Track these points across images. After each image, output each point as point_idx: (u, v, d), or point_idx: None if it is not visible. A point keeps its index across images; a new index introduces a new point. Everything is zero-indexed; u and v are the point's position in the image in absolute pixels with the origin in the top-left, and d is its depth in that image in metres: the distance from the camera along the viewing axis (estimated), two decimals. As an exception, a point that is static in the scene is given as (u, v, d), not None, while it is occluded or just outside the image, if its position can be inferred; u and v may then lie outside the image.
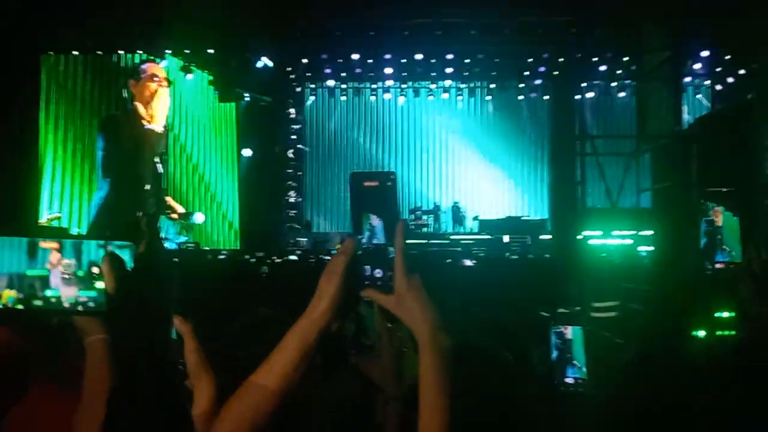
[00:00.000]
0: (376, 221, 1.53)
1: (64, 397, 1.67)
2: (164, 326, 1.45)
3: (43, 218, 16.85)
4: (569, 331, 2.56)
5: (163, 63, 17.77)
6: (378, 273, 1.49)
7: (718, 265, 3.42)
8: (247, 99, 18.72)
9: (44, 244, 1.40)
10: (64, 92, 17.78)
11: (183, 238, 16.79)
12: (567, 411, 2.35)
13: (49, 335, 1.76)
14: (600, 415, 2.14)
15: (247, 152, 18.72)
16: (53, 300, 1.40)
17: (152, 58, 17.01)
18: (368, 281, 1.50)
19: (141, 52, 17.59)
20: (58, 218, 17.04)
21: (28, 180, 16.79)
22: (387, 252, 1.50)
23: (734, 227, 3.60)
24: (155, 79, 15.10)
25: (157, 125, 15.26)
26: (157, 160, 15.15)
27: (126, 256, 1.40)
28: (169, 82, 15.74)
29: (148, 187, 15.94)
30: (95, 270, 1.40)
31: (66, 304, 1.41)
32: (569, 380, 2.49)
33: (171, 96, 17.83)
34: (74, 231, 17.06)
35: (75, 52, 17.66)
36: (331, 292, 1.49)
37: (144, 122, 13.88)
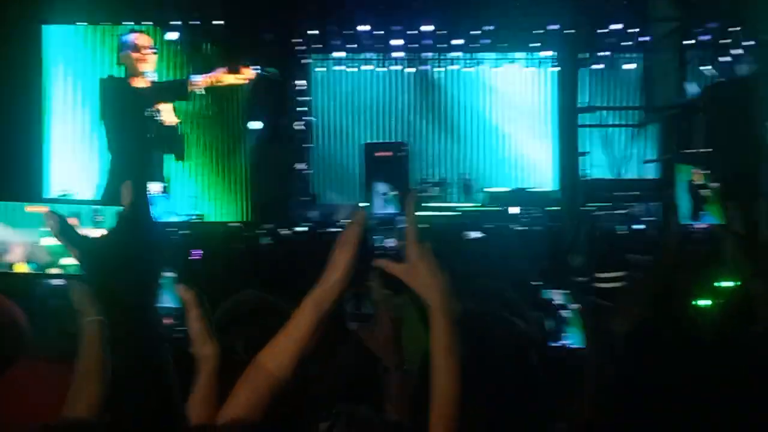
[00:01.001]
0: (388, 191, 1.54)
1: (53, 372, 1.68)
2: (150, 292, 1.39)
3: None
4: (559, 297, 2.62)
5: (174, 34, 17.80)
6: (389, 242, 1.54)
7: (700, 226, 3.47)
8: (258, 71, 18.65)
9: (30, 209, 1.42)
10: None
11: (193, 212, 16.89)
12: (563, 377, 2.41)
13: (43, 304, 1.74)
14: (596, 382, 2.19)
15: (255, 125, 18.71)
16: (70, 268, 1.41)
17: (138, 28, 17.09)
18: (380, 251, 1.53)
19: (150, 23, 17.56)
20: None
21: (33, 155, 16.77)
22: (398, 221, 1.54)
23: (714, 189, 3.64)
24: (143, 51, 15.29)
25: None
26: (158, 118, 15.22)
27: (111, 217, 1.37)
28: (151, 49, 15.87)
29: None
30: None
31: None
32: (563, 344, 2.56)
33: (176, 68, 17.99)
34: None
35: (79, 23, 17.53)
36: (344, 262, 1.52)
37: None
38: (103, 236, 1.34)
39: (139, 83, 14.24)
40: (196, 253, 6.94)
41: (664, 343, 2.14)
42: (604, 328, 2.29)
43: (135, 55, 16.28)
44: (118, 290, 1.31)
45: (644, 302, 2.30)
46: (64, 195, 16.61)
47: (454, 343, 1.50)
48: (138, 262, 1.33)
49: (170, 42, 17.91)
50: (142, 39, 16.73)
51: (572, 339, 2.58)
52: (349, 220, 1.56)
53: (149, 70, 16.09)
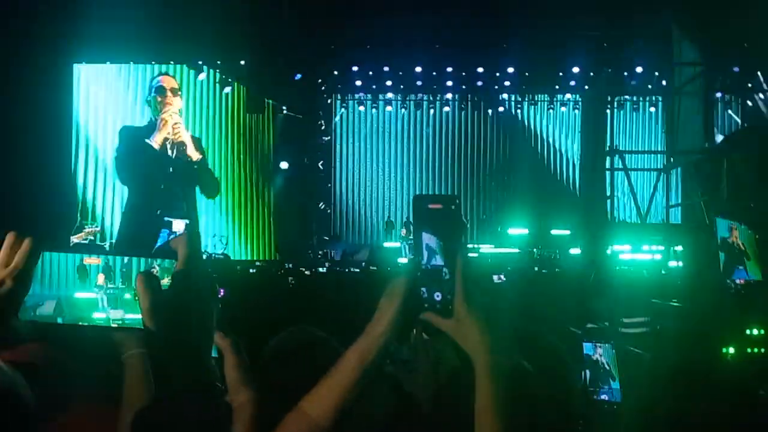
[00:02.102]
0: (437, 243, 1.51)
1: (102, 415, 1.67)
2: (204, 345, 1.41)
3: (81, 233, 17.01)
4: (601, 350, 2.56)
5: (202, 75, 18.15)
6: (437, 296, 1.48)
7: (738, 281, 3.41)
8: (284, 113, 18.98)
9: (88, 261, 1.40)
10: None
11: (221, 251, 17.08)
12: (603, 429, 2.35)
13: (87, 351, 1.74)
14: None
15: (284, 165, 18.94)
16: (101, 322, 1.42)
17: (165, 70, 17.53)
18: (427, 303, 1.49)
19: (173, 62, 17.90)
20: (96, 233, 17.15)
21: (62, 193, 16.93)
22: (447, 275, 1.49)
23: (751, 244, 3.57)
24: (166, 91, 15.85)
25: (175, 134, 16.03)
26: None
27: (166, 273, 1.39)
28: (174, 92, 16.31)
29: (159, 212, 16.53)
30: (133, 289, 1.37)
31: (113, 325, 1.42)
32: (604, 398, 2.50)
33: (208, 108, 18.35)
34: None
35: (108, 63, 17.84)
36: (391, 313, 1.49)
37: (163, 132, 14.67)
38: (165, 292, 1.35)
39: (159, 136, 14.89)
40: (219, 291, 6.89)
41: (697, 393, 2.10)
42: (638, 382, 2.23)
43: (159, 98, 16.88)
44: (177, 344, 1.33)
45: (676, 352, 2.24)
46: (91, 236, 16.88)
47: (501, 405, 1.46)
48: (194, 315, 1.35)
49: (200, 82, 18.27)
50: (167, 82, 17.28)
51: (611, 391, 2.51)
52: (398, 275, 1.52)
53: (173, 112, 16.70)
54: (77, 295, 1.42)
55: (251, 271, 12.87)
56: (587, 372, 2.58)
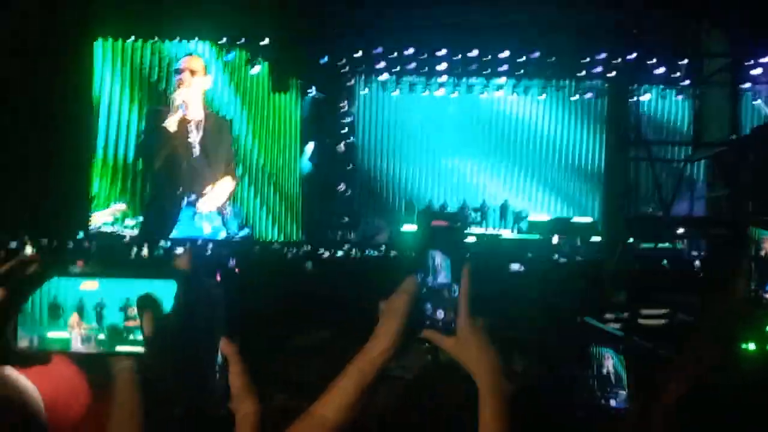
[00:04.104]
0: (441, 259, 1.48)
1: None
2: (208, 365, 1.43)
3: (108, 210, 17.13)
4: (610, 362, 2.52)
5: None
6: (440, 314, 1.46)
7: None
8: (311, 93, 19.05)
9: (84, 286, 1.40)
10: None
11: (245, 231, 17.21)
12: None
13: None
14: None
15: (309, 146, 19.04)
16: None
17: (190, 51, 17.64)
18: (429, 321, 1.47)
19: (197, 39, 17.97)
20: (122, 211, 17.24)
21: (79, 173, 17.02)
22: (450, 292, 1.46)
23: None
24: (187, 71, 15.99)
25: (194, 115, 16.17)
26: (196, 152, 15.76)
27: (167, 293, 1.38)
28: (193, 73, 16.45)
29: (180, 190, 16.69)
30: (131, 311, 1.39)
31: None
32: (612, 404, 2.46)
33: (237, 89, 18.47)
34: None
35: (131, 39, 17.90)
36: (392, 332, 1.47)
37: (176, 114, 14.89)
38: (166, 315, 1.35)
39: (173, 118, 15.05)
40: (232, 265, 6.94)
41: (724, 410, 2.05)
42: (653, 389, 2.17)
43: (177, 79, 17.07)
44: (179, 367, 1.35)
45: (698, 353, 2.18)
46: (117, 214, 17.01)
47: (503, 426, 1.43)
48: (198, 336, 1.37)
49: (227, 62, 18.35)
50: (187, 62, 17.43)
51: (619, 399, 2.47)
52: (400, 289, 1.47)
53: (188, 93, 16.90)
54: (50, 334, 1.39)
55: (269, 253, 12.93)
56: (594, 376, 2.55)
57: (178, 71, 17.33)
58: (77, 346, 1.40)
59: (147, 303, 1.34)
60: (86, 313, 1.39)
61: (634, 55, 16.97)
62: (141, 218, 17.38)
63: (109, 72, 17.88)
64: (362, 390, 1.47)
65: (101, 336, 1.40)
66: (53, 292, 1.38)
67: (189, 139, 17.02)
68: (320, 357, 1.92)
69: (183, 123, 16.95)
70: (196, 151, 17.17)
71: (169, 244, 14.66)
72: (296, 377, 1.93)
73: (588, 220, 19.20)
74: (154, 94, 17.91)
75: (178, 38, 18.00)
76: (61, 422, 1.66)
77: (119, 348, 1.40)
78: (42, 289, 1.36)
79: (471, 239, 14.65)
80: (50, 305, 1.38)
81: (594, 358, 2.54)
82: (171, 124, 16.71)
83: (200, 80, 17.43)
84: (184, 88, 16.92)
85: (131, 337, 1.39)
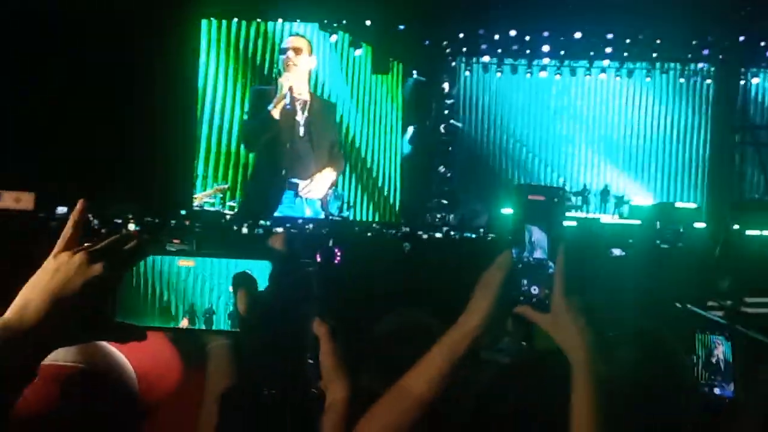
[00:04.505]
0: (538, 235, 1.45)
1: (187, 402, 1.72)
2: (300, 346, 1.39)
3: (210, 190, 17.40)
4: (720, 349, 2.48)
5: (334, 37, 18.36)
6: (534, 290, 1.43)
7: None
8: (414, 76, 19.05)
9: (182, 263, 1.41)
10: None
11: (345, 214, 17.33)
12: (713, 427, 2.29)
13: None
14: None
15: (410, 129, 19.07)
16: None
17: (296, 32, 17.76)
18: (523, 297, 1.44)
19: (299, 20, 18.13)
20: (224, 190, 17.47)
21: (184, 153, 17.37)
22: (546, 268, 1.43)
23: None
24: (292, 50, 16.09)
25: (298, 96, 16.32)
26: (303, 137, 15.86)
27: (263, 274, 1.37)
28: (298, 52, 16.51)
29: (284, 172, 16.83)
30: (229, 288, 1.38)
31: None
32: (716, 392, 2.43)
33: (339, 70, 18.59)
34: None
35: (236, 19, 18.18)
36: (485, 307, 1.45)
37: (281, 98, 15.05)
38: (261, 293, 1.34)
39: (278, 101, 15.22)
40: (338, 252, 7.06)
41: None
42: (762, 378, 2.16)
43: (284, 60, 17.25)
44: (271, 346, 1.32)
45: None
46: (219, 194, 17.30)
47: (598, 406, 1.40)
48: (291, 317, 1.34)
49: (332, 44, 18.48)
50: (291, 42, 17.58)
51: (726, 387, 2.43)
52: (495, 264, 1.47)
53: (293, 76, 17.03)
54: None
55: (368, 234, 13.02)
56: (700, 364, 2.52)
57: (283, 51, 17.47)
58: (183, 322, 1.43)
59: (242, 281, 1.33)
60: (197, 318, 1.43)
61: (743, 37, 16.43)
62: (242, 198, 17.70)
63: (214, 53, 18.19)
64: (452, 364, 1.46)
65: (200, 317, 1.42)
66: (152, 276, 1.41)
67: (295, 119, 17.14)
68: (415, 339, 1.89)
69: (288, 105, 17.09)
70: (301, 132, 17.29)
71: (269, 223, 14.77)
72: (389, 359, 1.93)
73: (692, 205, 18.76)
74: (259, 76, 18.13)
75: (280, 20, 18.20)
76: (152, 397, 1.69)
77: (215, 327, 1.42)
78: (139, 267, 1.39)
79: (570, 222, 14.51)
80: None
81: (701, 345, 2.52)
82: (276, 107, 16.90)
83: (306, 59, 17.54)
84: (289, 72, 17.05)
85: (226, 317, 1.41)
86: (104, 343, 1.54)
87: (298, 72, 17.23)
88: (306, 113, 17.28)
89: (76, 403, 1.47)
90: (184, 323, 1.42)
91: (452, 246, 11.70)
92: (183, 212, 15.62)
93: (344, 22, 18.21)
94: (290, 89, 16.92)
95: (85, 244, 1.27)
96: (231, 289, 1.37)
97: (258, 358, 1.31)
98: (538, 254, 1.44)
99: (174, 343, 1.73)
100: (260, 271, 1.38)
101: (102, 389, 1.53)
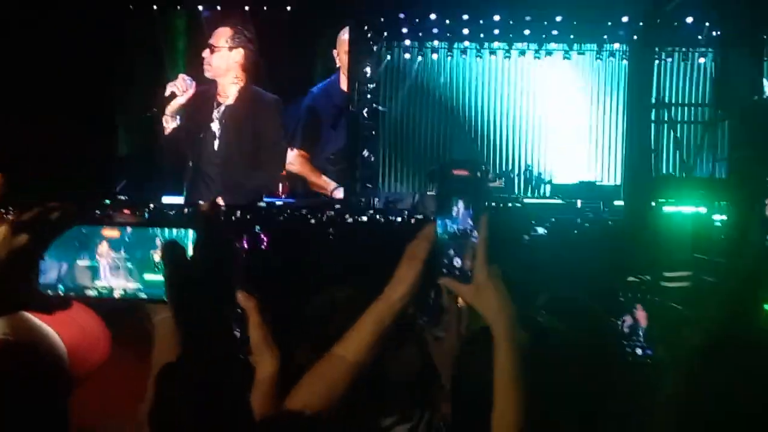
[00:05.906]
0: (462, 208, 1.48)
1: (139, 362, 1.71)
2: (226, 311, 1.39)
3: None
4: (640, 314, 2.60)
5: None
6: (457, 261, 1.46)
7: None
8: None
9: (106, 232, 1.39)
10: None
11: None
12: (633, 384, 2.37)
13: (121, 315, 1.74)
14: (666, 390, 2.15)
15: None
16: (104, 290, 1.39)
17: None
18: (446, 269, 1.47)
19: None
20: None
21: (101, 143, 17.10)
22: (469, 241, 1.46)
23: None
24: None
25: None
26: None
27: (187, 242, 1.36)
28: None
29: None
30: (156, 257, 1.37)
31: (116, 294, 1.39)
32: (637, 351, 2.55)
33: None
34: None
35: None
36: (410, 278, 1.48)
37: None
38: (188, 260, 1.32)
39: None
40: (264, 237, 7.06)
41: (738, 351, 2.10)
42: (677, 337, 2.24)
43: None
44: (200, 312, 1.30)
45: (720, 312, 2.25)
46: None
47: (518, 373, 1.44)
48: (215, 280, 1.32)
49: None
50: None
51: (645, 346, 2.56)
52: (419, 235, 1.51)
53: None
54: (78, 262, 1.39)
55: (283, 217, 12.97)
56: (624, 326, 2.64)
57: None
58: (106, 274, 1.39)
59: (170, 249, 1.31)
60: (115, 242, 1.39)
61: (659, 19, 16.79)
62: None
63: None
64: (380, 333, 1.51)
65: (129, 265, 1.39)
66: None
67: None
68: (341, 313, 1.91)
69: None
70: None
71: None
72: (316, 333, 1.96)
73: (612, 183, 19.18)
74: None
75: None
76: (82, 369, 1.68)
77: (148, 277, 1.39)
78: (64, 236, 1.36)
79: (493, 203, 14.72)
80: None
81: (624, 310, 2.66)
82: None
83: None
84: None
85: (158, 268, 1.38)
86: (30, 315, 1.53)
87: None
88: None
89: (1, 374, 1.46)
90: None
91: (377, 228, 11.74)
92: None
93: (265, 8, 18.07)
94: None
95: (9, 216, 1.26)
96: (159, 257, 1.36)
97: (184, 329, 1.30)
98: (462, 226, 1.47)
99: (101, 312, 1.72)
100: (185, 240, 1.37)
101: (27, 360, 1.52)
